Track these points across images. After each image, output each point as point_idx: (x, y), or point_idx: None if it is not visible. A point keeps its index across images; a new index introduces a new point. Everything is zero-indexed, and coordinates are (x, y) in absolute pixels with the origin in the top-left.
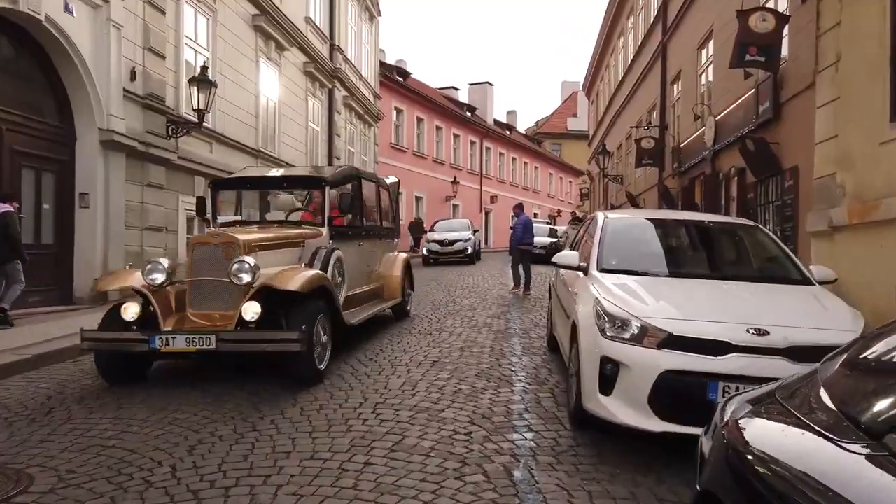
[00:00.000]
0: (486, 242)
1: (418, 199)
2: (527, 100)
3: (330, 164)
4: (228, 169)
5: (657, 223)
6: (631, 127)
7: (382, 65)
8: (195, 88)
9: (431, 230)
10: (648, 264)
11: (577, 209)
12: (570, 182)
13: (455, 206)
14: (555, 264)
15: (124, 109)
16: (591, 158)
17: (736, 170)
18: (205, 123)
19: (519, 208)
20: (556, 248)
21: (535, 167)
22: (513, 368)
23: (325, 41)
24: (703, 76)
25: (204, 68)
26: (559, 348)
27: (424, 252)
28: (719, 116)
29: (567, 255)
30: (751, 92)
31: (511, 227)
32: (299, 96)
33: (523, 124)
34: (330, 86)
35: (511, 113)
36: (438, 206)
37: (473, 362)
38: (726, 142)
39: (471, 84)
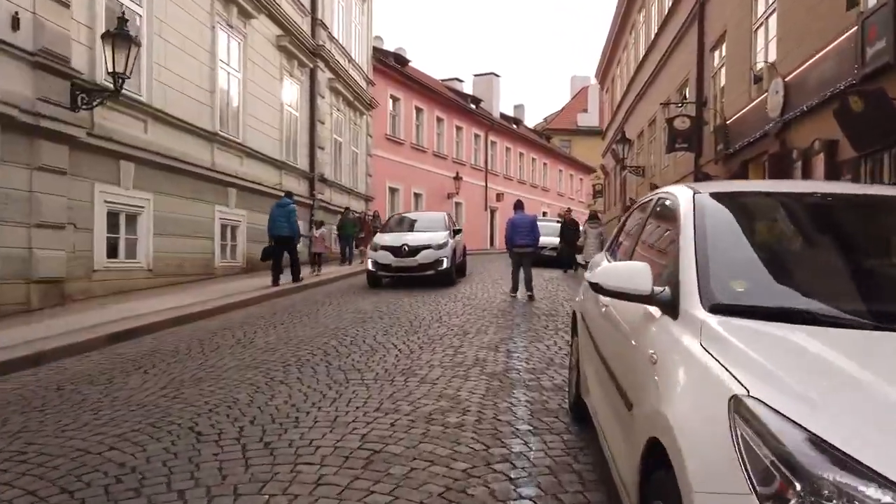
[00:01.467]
0: (490, 244)
1: (417, 195)
2: (535, 95)
3: (311, 154)
4: (170, 153)
5: (803, 205)
6: (661, 104)
7: (378, 50)
8: (109, 46)
9: (384, 228)
10: (818, 294)
11: (589, 207)
12: (581, 180)
13: (458, 203)
14: (597, 288)
15: None
16: (605, 151)
17: (822, 143)
18: (136, 95)
19: (518, 206)
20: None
21: (544, 163)
22: (512, 474)
23: (305, 14)
24: (762, 30)
25: (122, 20)
26: (590, 418)
27: (369, 265)
28: (792, 76)
29: (619, 270)
30: (851, 31)
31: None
32: (272, 74)
33: (531, 121)
34: (311, 65)
35: (518, 107)
36: (439, 205)
37: (442, 457)
38: (805, 107)
39: (476, 75)
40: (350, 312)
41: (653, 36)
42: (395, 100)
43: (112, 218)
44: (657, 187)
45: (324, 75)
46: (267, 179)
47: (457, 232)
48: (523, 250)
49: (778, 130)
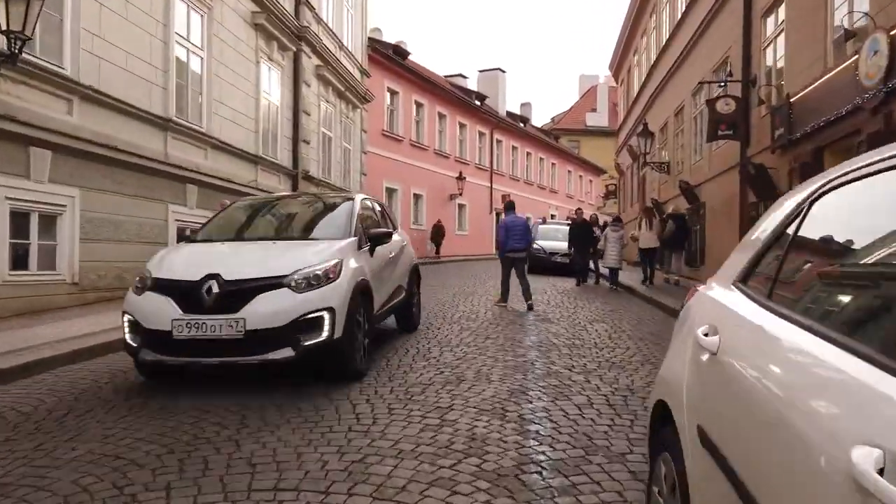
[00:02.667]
0: (496, 248)
1: (417, 197)
2: (542, 95)
3: (294, 148)
4: (106, 141)
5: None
6: (700, 83)
7: (375, 41)
8: None
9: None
10: None
11: (599, 210)
12: (591, 181)
13: (461, 205)
14: None
15: None
16: (620, 148)
17: None
18: (57, 68)
19: (506, 208)
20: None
21: (553, 163)
22: None
23: None
24: None
25: None
26: None
27: (126, 335)
28: None
29: None
30: None
31: (504, 228)
32: (246, 56)
33: (538, 121)
34: (294, 49)
35: (525, 105)
36: (440, 206)
37: None
38: None
39: (480, 71)
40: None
41: (680, 14)
42: (392, 93)
43: (19, 219)
44: (688, 185)
45: (310, 61)
46: (239, 175)
47: (379, 239)
48: (517, 255)
49: (879, 102)
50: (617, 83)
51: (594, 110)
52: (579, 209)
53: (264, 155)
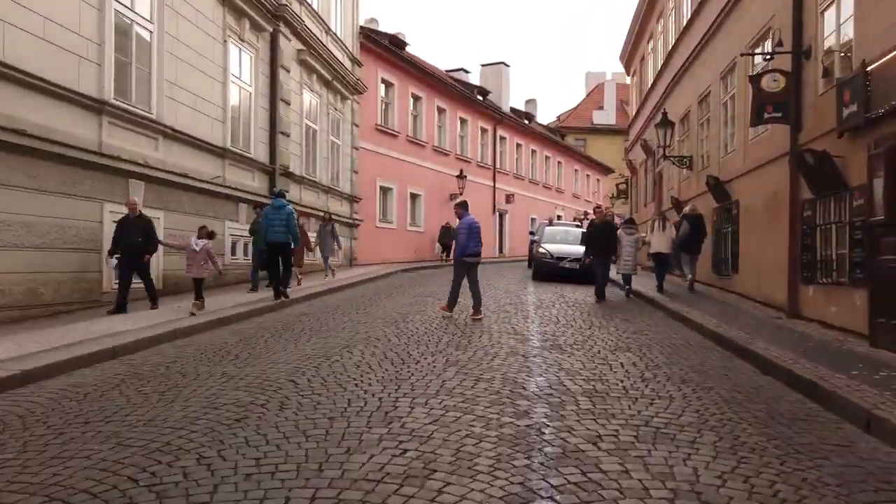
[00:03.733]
0: (499, 251)
1: (414, 196)
2: (547, 93)
3: (272, 141)
4: (11, 124)
5: None
6: (743, 54)
7: (369, 30)
8: None
9: None
10: None
11: (607, 210)
12: (598, 180)
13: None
14: None
15: None
16: (632, 144)
17: None
18: None
19: (462, 207)
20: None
21: (559, 162)
22: None
23: None
24: None
25: None
26: None
27: None
28: None
29: None
30: None
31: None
32: (209, 34)
33: (543, 119)
34: (270, 29)
35: (530, 102)
36: (440, 206)
37: None
38: None
39: (483, 65)
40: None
41: None
42: (387, 85)
43: None
44: (717, 181)
45: (289, 45)
46: (201, 171)
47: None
48: (476, 259)
49: None
50: (628, 74)
51: (601, 108)
52: (599, 206)
53: (234, 148)
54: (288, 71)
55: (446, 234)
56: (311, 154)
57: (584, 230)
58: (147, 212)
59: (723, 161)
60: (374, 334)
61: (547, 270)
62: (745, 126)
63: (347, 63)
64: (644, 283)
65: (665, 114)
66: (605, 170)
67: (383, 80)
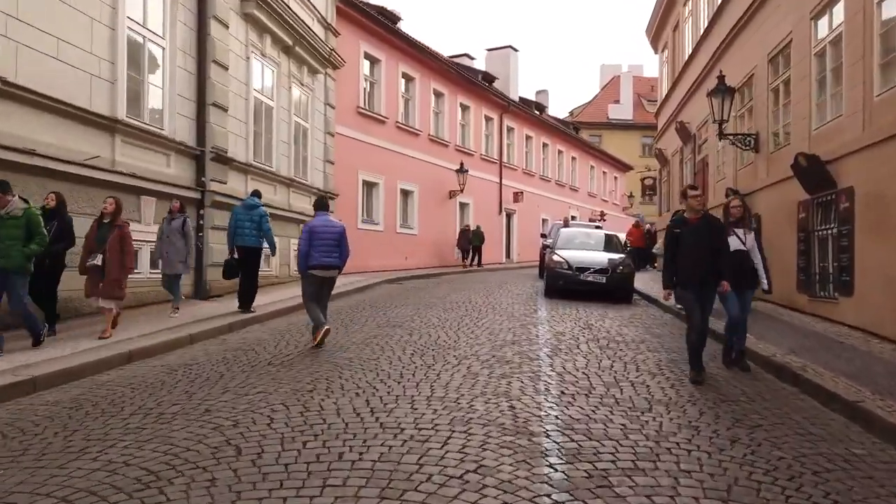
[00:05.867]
0: (507, 256)
1: (406, 193)
2: (558, 88)
3: (200, 115)
4: None
5: None
6: None
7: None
8: None
9: None
10: None
11: (625, 212)
12: (616, 178)
13: (463, 204)
14: None
15: None
16: (663, 129)
17: None
18: None
19: (321, 206)
20: (626, 274)
21: (573, 157)
22: None
23: None
24: None
25: None
26: None
27: None
28: None
29: None
30: None
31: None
32: None
33: (555, 114)
34: None
35: (541, 92)
36: (437, 205)
37: None
38: None
39: (489, 50)
40: None
41: None
42: (372, 61)
43: None
44: (815, 161)
45: None
46: (66, 147)
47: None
48: (327, 273)
49: None
50: (656, 50)
51: (617, 102)
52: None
53: (133, 119)
54: (226, 26)
55: (464, 238)
56: (262, 136)
57: (626, 236)
58: None
59: (817, 135)
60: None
61: (563, 285)
62: (866, 79)
63: (318, 29)
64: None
65: (722, 78)
66: (624, 167)
67: (367, 56)
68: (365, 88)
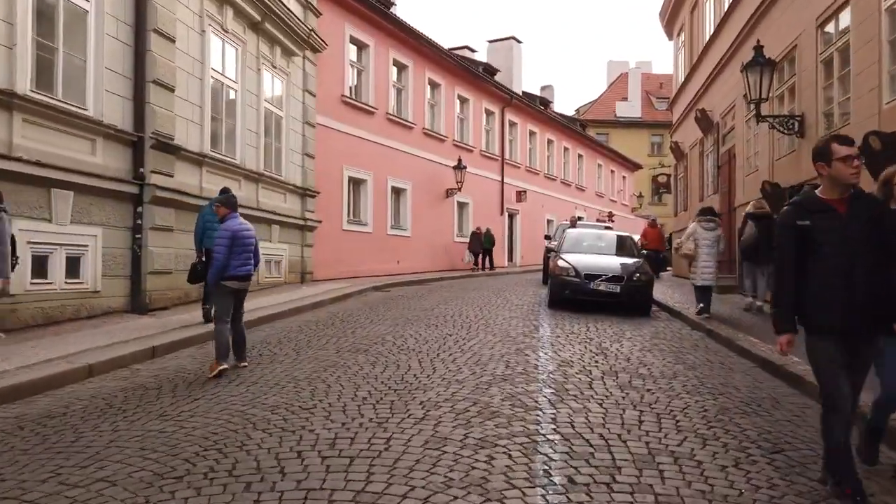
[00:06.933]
0: (509, 259)
1: (398, 191)
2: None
3: (138, 95)
4: None
5: None
6: None
7: None
8: None
9: None
10: None
11: (634, 213)
12: (624, 177)
13: (461, 203)
14: None
15: None
16: (681, 119)
17: None
18: None
19: (224, 203)
20: (643, 282)
21: (579, 155)
22: None
23: None
24: None
25: None
26: None
27: None
28: None
29: None
30: None
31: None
32: None
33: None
34: None
35: (546, 88)
36: (433, 204)
37: None
38: None
39: (490, 41)
40: None
41: None
42: (360, 47)
43: None
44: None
45: None
46: None
47: None
48: (244, 284)
49: None
50: (671, 36)
51: (625, 99)
52: (611, 215)
53: (36, 94)
54: None
55: (475, 241)
56: (223, 123)
57: (640, 238)
58: None
59: (890, 109)
60: None
61: (570, 295)
62: None
63: (294, 6)
64: (685, 300)
65: (760, 48)
66: (633, 165)
67: (354, 40)
68: (352, 76)
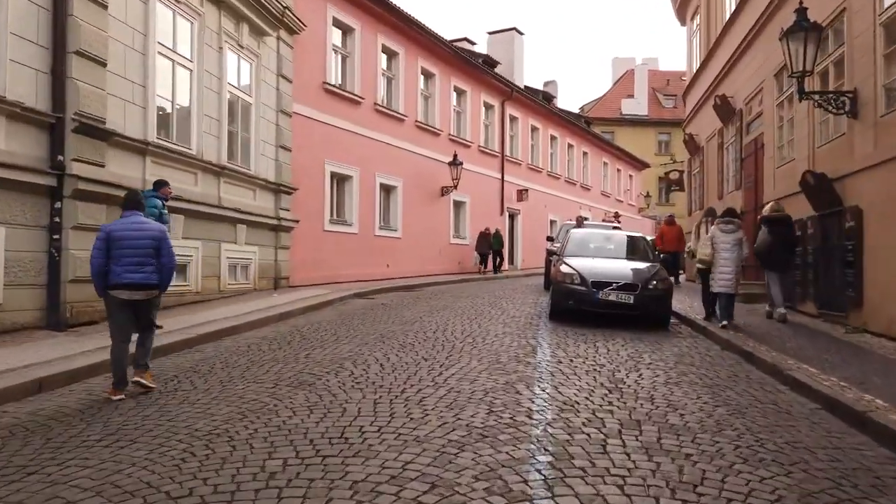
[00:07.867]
0: (511, 261)
1: (387, 189)
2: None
3: (56, 67)
4: None
5: None
6: None
7: None
8: None
9: None
10: None
11: (641, 213)
12: (631, 176)
13: (458, 202)
14: None
15: None
16: (697, 108)
17: None
18: None
19: (132, 203)
20: (661, 292)
21: (584, 152)
22: None
23: None
24: None
25: None
26: None
27: None
28: None
29: None
30: None
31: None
32: None
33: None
34: None
35: (550, 83)
36: (426, 204)
37: None
38: None
39: (491, 33)
40: None
41: None
42: (345, 31)
43: None
44: None
45: None
46: None
47: None
48: (137, 295)
49: None
50: (684, 21)
51: (631, 97)
52: (617, 215)
53: None
54: None
55: (484, 242)
56: (173, 107)
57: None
58: None
59: None
60: None
61: (574, 305)
62: None
63: None
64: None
65: (803, 11)
66: (640, 164)
67: (337, 23)
68: (334, 62)
